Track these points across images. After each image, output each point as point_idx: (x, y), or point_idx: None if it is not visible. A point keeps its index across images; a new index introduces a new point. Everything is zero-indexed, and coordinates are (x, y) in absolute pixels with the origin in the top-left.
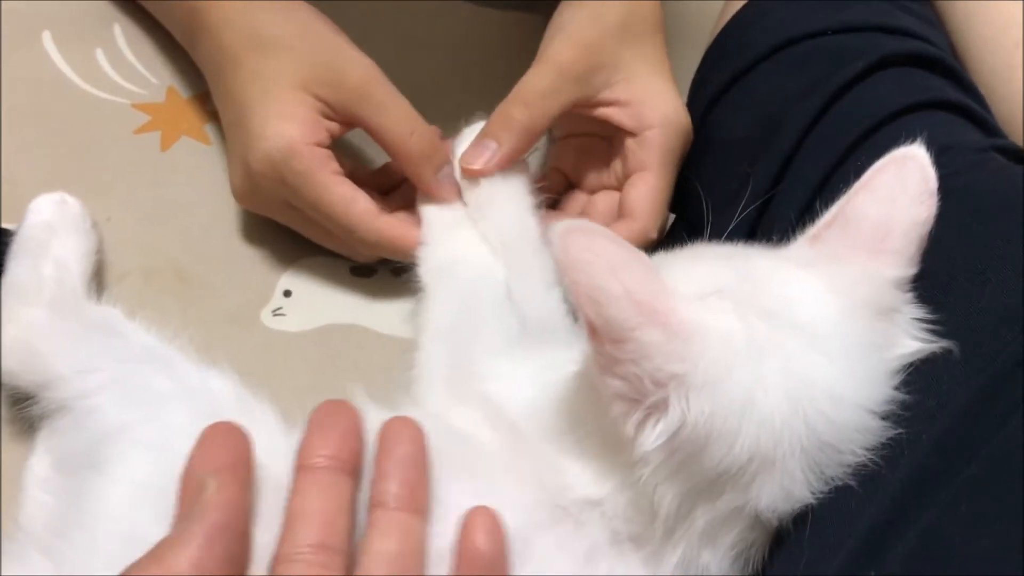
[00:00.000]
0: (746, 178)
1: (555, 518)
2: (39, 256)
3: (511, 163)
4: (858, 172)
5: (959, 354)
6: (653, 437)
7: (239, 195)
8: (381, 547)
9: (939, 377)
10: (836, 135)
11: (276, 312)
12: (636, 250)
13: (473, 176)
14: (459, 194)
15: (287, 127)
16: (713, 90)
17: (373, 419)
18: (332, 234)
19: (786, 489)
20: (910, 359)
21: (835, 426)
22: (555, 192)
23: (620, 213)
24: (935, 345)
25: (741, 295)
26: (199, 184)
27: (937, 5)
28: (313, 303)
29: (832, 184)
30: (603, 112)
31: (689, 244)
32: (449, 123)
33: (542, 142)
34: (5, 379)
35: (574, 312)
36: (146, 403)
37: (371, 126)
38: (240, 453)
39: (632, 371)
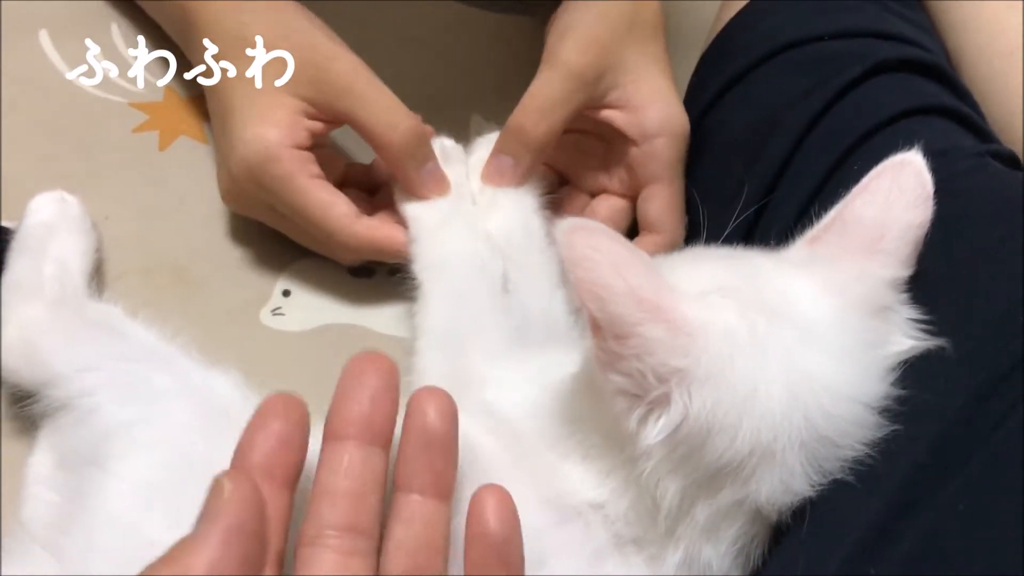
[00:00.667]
0: (743, 181)
1: (564, 518)
2: (39, 255)
3: (530, 175)
4: (855, 176)
5: (956, 356)
6: (656, 431)
7: (225, 197)
8: (404, 536)
9: (936, 378)
10: (833, 139)
11: (275, 312)
12: (638, 250)
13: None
14: (443, 190)
15: (265, 131)
16: (710, 93)
17: None
18: (316, 237)
19: (785, 482)
20: (905, 356)
21: (833, 420)
22: (550, 189)
23: (642, 227)
24: (929, 343)
25: (741, 293)
26: (198, 183)
27: (931, 8)
28: (312, 303)
29: (829, 188)
30: (606, 115)
31: (687, 247)
32: (433, 121)
33: None
34: (7, 377)
35: (577, 311)
36: (147, 401)
37: (354, 120)
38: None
39: (635, 366)
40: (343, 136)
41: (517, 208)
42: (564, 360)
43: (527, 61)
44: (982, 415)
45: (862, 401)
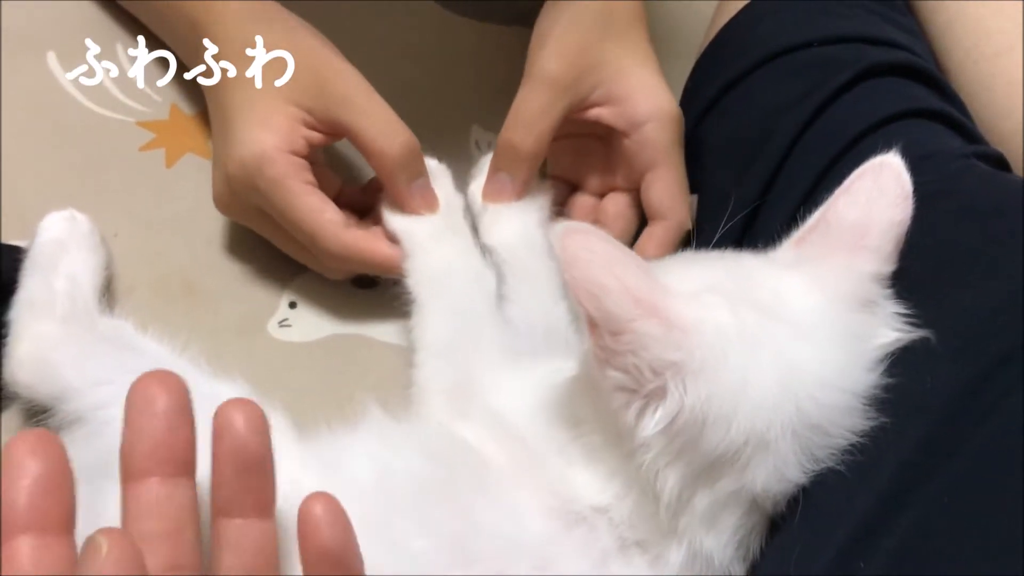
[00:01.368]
0: (737, 187)
1: (570, 523)
2: (51, 272)
3: (527, 186)
4: (844, 180)
5: (944, 352)
6: (653, 423)
7: (218, 202)
8: (234, 563)
9: (924, 375)
10: (823, 144)
11: (282, 323)
12: (630, 251)
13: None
14: (431, 206)
15: (263, 134)
16: (704, 100)
17: (377, 427)
18: (304, 248)
19: (780, 470)
20: (890, 349)
21: (823, 408)
22: (561, 201)
23: (650, 215)
24: (913, 335)
25: (731, 291)
26: (204, 199)
27: (918, 10)
28: (318, 314)
29: (819, 192)
30: (594, 113)
31: (678, 252)
32: (433, 131)
33: None
34: (22, 392)
35: (575, 315)
36: None
37: (351, 130)
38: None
39: (631, 362)
40: (338, 158)
41: (520, 222)
42: (564, 367)
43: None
44: (969, 411)
45: (851, 390)
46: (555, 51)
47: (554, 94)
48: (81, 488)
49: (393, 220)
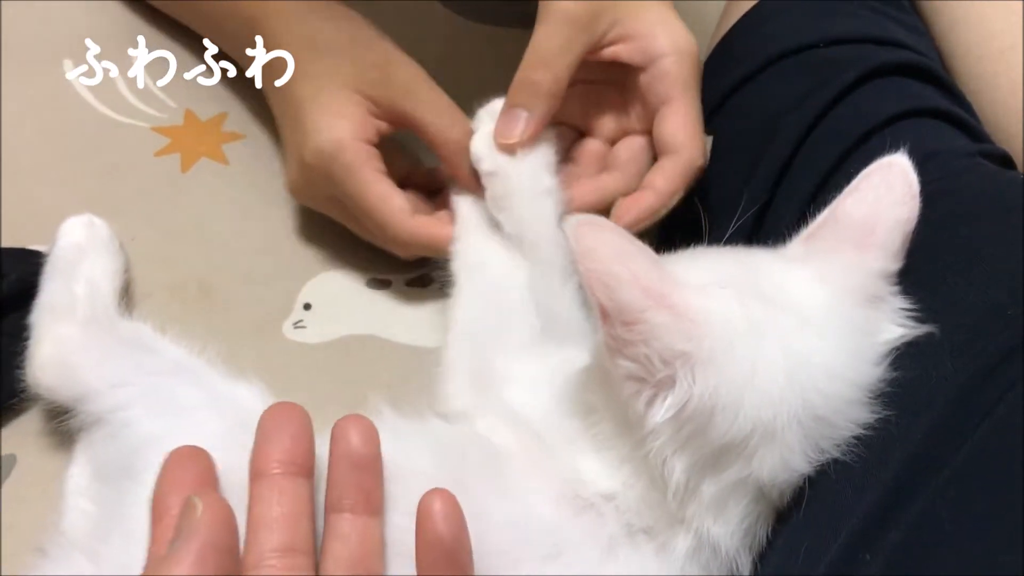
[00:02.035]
0: (745, 186)
1: (578, 509)
2: (71, 276)
3: (544, 128)
4: (850, 179)
5: (949, 347)
6: (663, 411)
7: (292, 189)
8: (341, 550)
9: (929, 370)
10: (830, 143)
11: (297, 324)
12: (642, 244)
13: (510, 151)
14: None
15: (339, 123)
16: (713, 100)
17: (390, 425)
18: (372, 230)
19: (785, 459)
20: (895, 343)
21: (828, 399)
22: (566, 148)
23: (660, 150)
24: (918, 331)
25: (740, 284)
26: (219, 203)
27: (923, 10)
28: (332, 315)
29: (827, 190)
30: (610, 51)
31: (690, 248)
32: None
33: None
34: (44, 394)
35: (587, 301)
36: (177, 413)
37: (415, 120)
38: (206, 474)
39: (642, 351)
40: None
41: (529, 198)
42: (577, 357)
43: None
44: (973, 405)
45: (856, 383)
46: None
47: (572, 32)
48: (103, 488)
49: (458, 202)
